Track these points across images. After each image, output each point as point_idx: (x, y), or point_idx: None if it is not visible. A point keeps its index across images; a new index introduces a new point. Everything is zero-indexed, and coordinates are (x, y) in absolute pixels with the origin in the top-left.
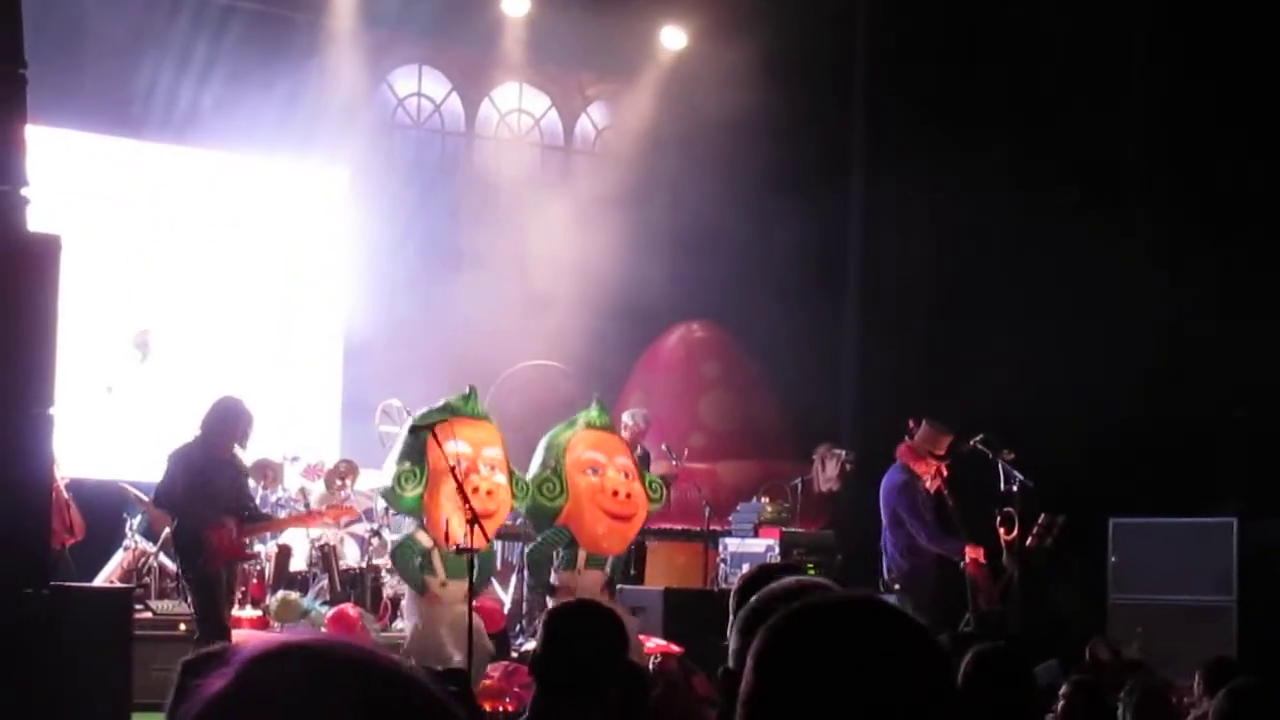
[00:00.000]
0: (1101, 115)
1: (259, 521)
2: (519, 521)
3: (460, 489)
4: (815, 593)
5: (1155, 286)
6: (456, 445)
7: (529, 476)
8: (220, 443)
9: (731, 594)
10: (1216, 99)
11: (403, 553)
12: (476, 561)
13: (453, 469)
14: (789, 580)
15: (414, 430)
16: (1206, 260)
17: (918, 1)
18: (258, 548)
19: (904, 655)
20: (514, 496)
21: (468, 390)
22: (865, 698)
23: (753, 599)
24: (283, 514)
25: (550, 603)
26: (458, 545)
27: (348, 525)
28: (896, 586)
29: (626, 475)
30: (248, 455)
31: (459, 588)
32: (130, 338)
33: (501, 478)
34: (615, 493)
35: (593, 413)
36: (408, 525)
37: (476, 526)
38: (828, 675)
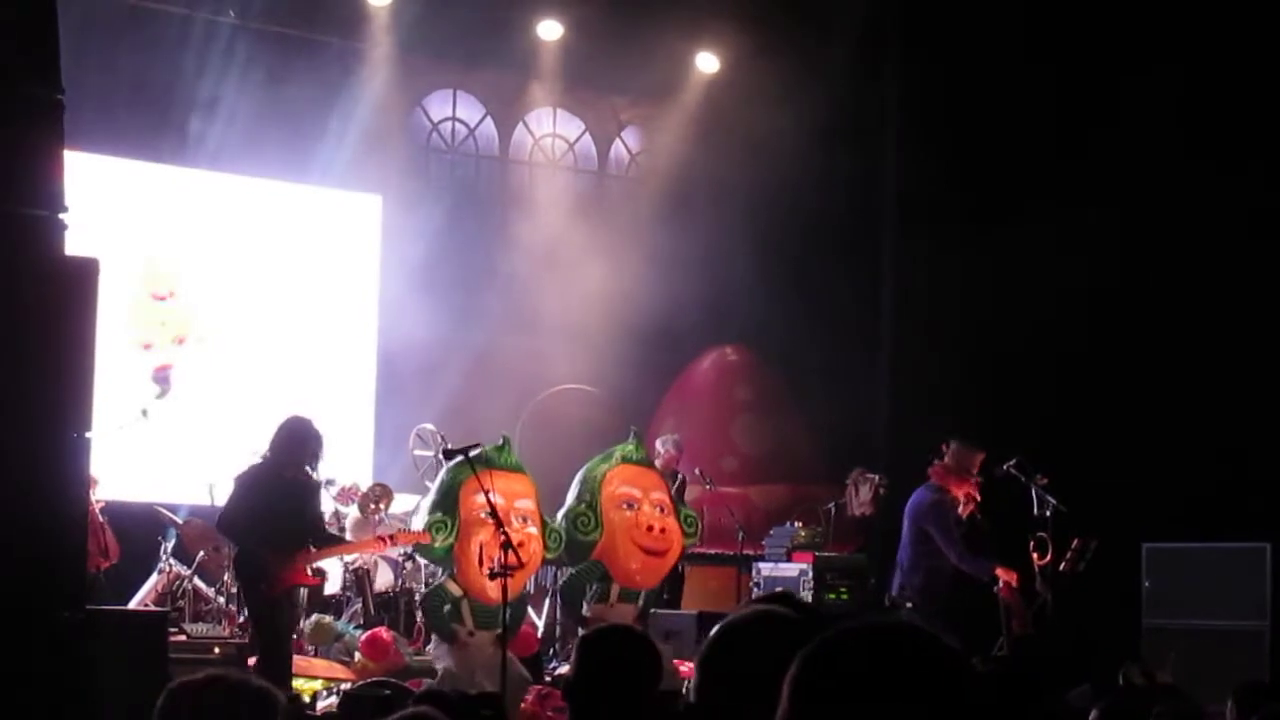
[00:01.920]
0: (1134, 132)
1: (330, 545)
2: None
3: (499, 526)
4: (775, 622)
5: (1193, 312)
6: (491, 499)
7: (564, 510)
8: (288, 464)
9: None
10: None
11: (432, 602)
12: (507, 611)
13: (492, 508)
14: (747, 611)
15: (451, 470)
16: (1243, 280)
17: (952, 23)
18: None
19: (937, 681)
20: (546, 549)
21: (501, 441)
22: None
23: (713, 630)
24: (349, 538)
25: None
26: (491, 569)
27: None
28: (908, 604)
29: (662, 510)
30: None
31: (487, 636)
32: (149, 373)
33: (534, 529)
34: (650, 528)
35: (629, 447)
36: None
37: (508, 572)
38: (862, 702)
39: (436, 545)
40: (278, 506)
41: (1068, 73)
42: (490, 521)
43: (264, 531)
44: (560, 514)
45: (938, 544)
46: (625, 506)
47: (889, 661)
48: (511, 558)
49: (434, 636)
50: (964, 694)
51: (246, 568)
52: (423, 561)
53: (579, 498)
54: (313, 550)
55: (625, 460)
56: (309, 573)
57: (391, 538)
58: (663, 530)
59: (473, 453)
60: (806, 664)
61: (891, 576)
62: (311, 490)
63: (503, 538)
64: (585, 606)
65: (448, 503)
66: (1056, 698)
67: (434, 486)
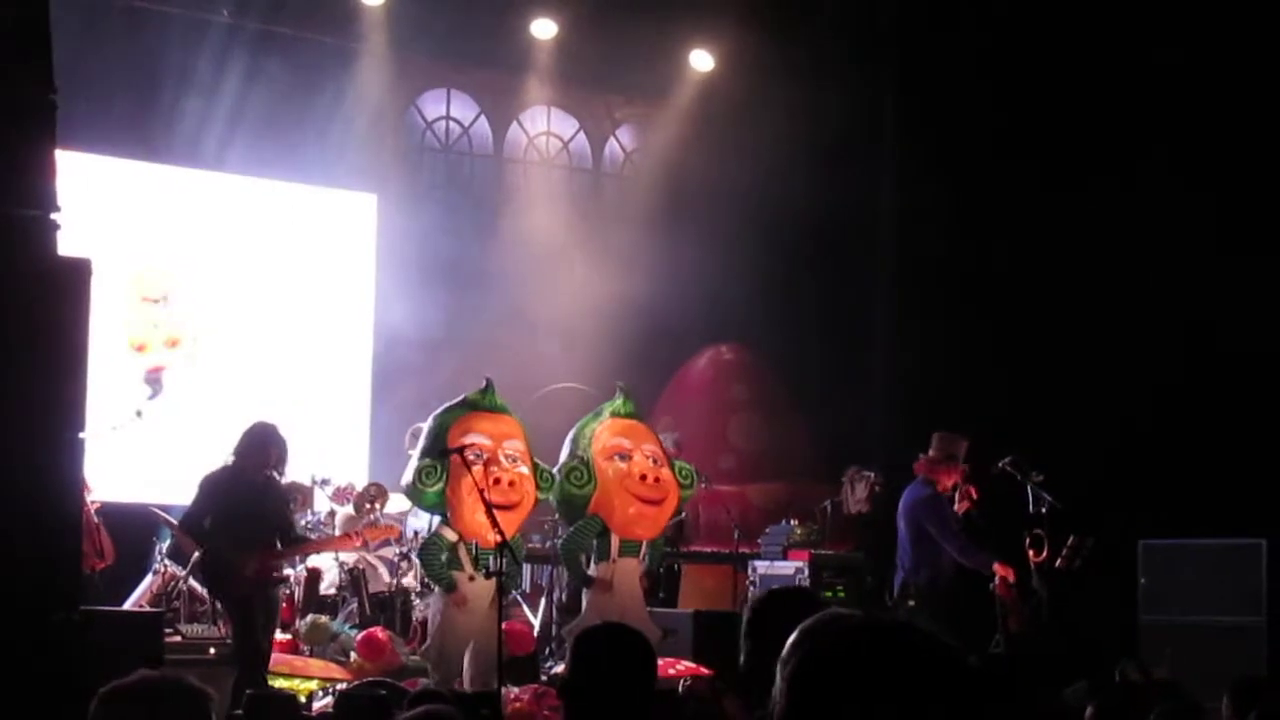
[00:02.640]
0: (1129, 114)
1: (296, 544)
2: (547, 544)
3: (489, 512)
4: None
5: (1188, 303)
6: (476, 438)
7: (556, 467)
8: (252, 466)
9: (743, 620)
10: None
11: (429, 550)
12: (505, 557)
13: (481, 492)
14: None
15: (439, 414)
16: (1239, 274)
17: (951, 22)
18: (287, 571)
19: (937, 679)
20: (539, 488)
21: (485, 383)
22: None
23: (751, 632)
24: (314, 536)
25: (585, 597)
26: (486, 568)
27: (378, 548)
28: (911, 603)
29: (655, 460)
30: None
31: (488, 584)
32: (141, 374)
33: (524, 469)
34: (644, 477)
35: (618, 402)
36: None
37: (497, 526)
38: (861, 697)
39: (428, 490)
40: (239, 508)
41: (1065, 76)
42: (481, 461)
43: (226, 532)
44: (554, 470)
45: (936, 541)
46: (617, 458)
47: (890, 659)
48: (498, 495)
49: (435, 588)
50: (964, 691)
51: (210, 567)
52: (418, 561)
53: (571, 454)
54: (277, 548)
55: (615, 415)
56: (276, 572)
57: (359, 534)
58: (657, 479)
59: (469, 454)
60: (806, 661)
61: (894, 576)
62: (275, 493)
63: (497, 538)
64: (591, 566)
65: (437, 447)
66: (1053, 695)
67: (423, 433)
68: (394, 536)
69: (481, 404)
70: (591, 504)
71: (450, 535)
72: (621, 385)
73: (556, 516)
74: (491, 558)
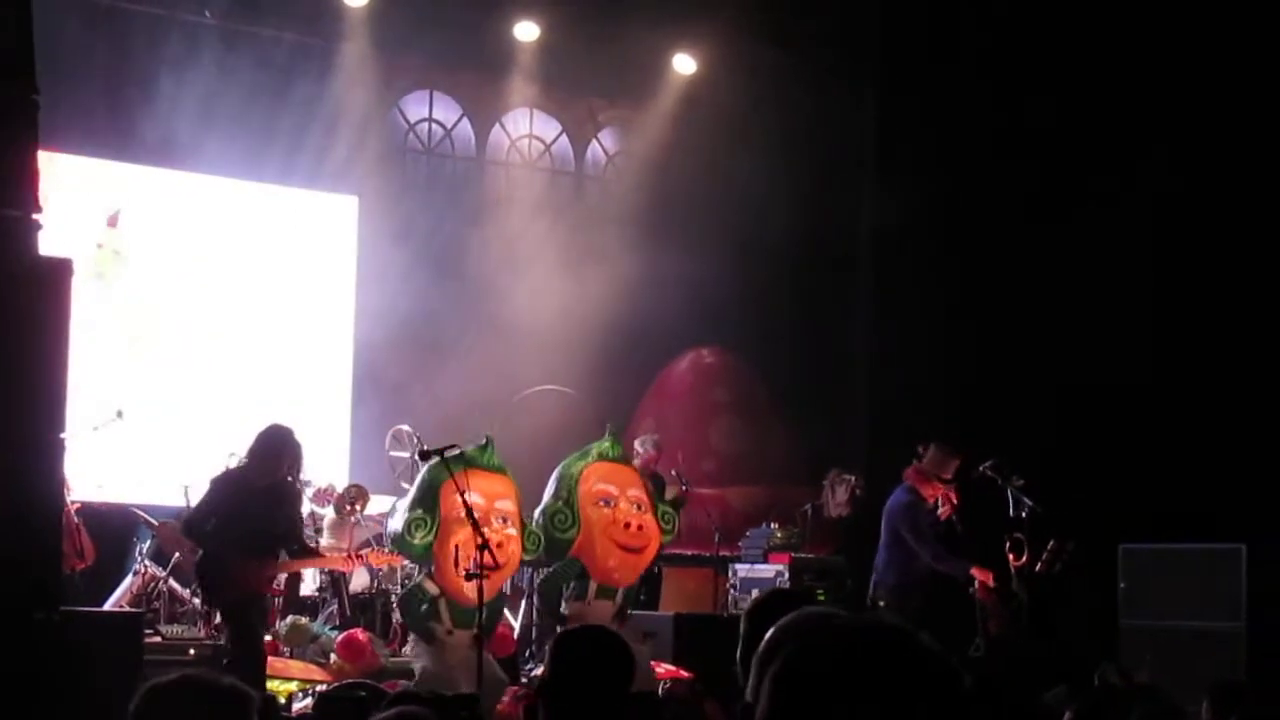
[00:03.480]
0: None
1: (301, 557)
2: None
3: (476, 529)
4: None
5: (1169, 310)
6: (470, 498)
7: (541, 507)
8: (264, 472)
9: (742, 619)
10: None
11: (410, 600)
12: (484, 611)
13: (468, 508)
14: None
15: (433, 468)
16: (1221, 282)
17: (931, 24)
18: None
19: (921, 682)
20: (525, 549)
21: (484, 441)
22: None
23: (772, 631)
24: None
25: (559, 630)
26: (467, 570)
27: (359, 550)
28: (880, 604)
29: (639, 507)
30: None
31: (465, 636)
32: (113, 410)
33: (513, 531)
34: (627, 525)
35: (606, 444)
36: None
37: (484, 574)
38: (845, 701)
39: (416, 543)
40: (246, 512)
41: (1047, 87)
42: (468, 521)
43: (230, 536)
44: (537, 511)
45: (910, 546)
46: (602, 503)
47: (876, 659)
48: (488, 558)
49: (412, 636)
50: (949, 694)
51: (209, 571)
52: (399, 562)
53: (556, 495)
54: (282, 559)
55: (602, 457)
56: (274, 583)
57: (360, 556)
58: (640, 527)
59: (449, 453)
60: (791, 661)
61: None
62: (286, 499)
63: (479, 539)
64: (563, 604)
65: (428, 500)
66: (1033, 698)
67: (415, 483)
68: (397, 564)
69: (479, 461)
70: (574, 547)
71: (432, 588)
72: (611, 426)
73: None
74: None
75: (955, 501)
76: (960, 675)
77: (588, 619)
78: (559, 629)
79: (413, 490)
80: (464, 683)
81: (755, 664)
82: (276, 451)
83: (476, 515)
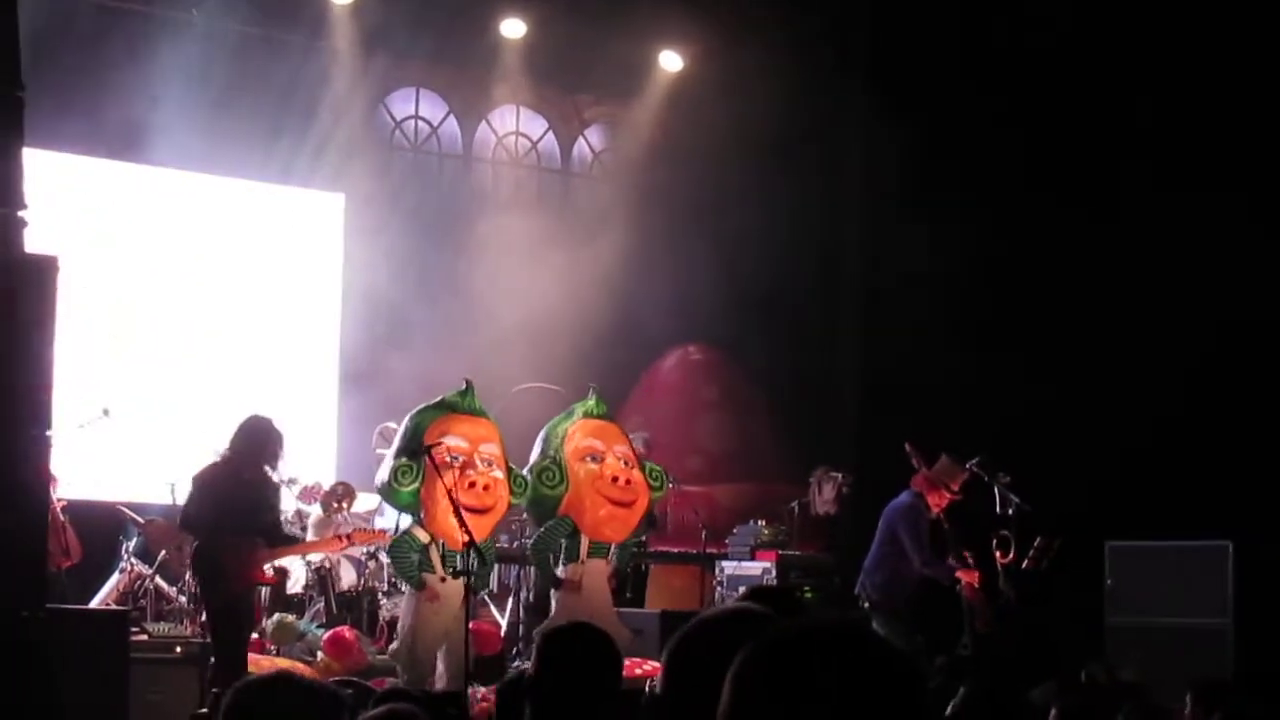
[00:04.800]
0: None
1: (287, 544)
2: (515, 544)
3: (458, 515)
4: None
5: (1158, 308)
6: (452, 440)
7: (528, 467)
8: (247, 463)
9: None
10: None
11: (400, 549)
12: (474, 558)
13: (450, 494)
14: (723, 609)
15: (415, 414)
16: (1210, 281)
17: (917, 19)
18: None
19: (878, 680)
20: (512, 493)
21: (464, 385)
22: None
23: (685, 625)
24: (303, 537)
25: (554, 598)
26: (453, 568)
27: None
28: (866, 604)
29: (626, 462)
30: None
31: (459, 584)
32: (99, 410)
33: (499, 473)
34: (615, 479)
35: (590, 402)
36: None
37: (466, 528)
38: (802, 698)
39: (403, 489)
40: (234, 505)
41: (1035, 79)
42: (454, 465)
43: (221, 529)
44: (524, 471)
45: (904, 546)
46: (589, 459)
47: (829, 661)
48: (471, 499)
49: (405, 590)
50: (908, 695)
51: (205, 565)
52: (385, 561)
53: (543, 453)
54: (268, 549)
55: (587, 415)
56: (266, 572)
57: (349, 537)
58: (628, 481)
59: (436, 452)
60: (749, 661)
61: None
62: (269, 490)
63: (465, 539)
64: (559, 568)
65: (413, 447)
66: (1019, 696)
67: (399, 431)
68: (381, 541)
69: (460, 406)
70: (562, 505)
71: (422, 536)
72: (594, 386)
73: (525, 517)
74: (459, 559)
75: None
76: (921, 676)
77: (583, 578)
78: (553, 597)
79: (397, 438)
80: (442, 653)
81: (667, 655)
82: (260, 442)
83: (461, 458)
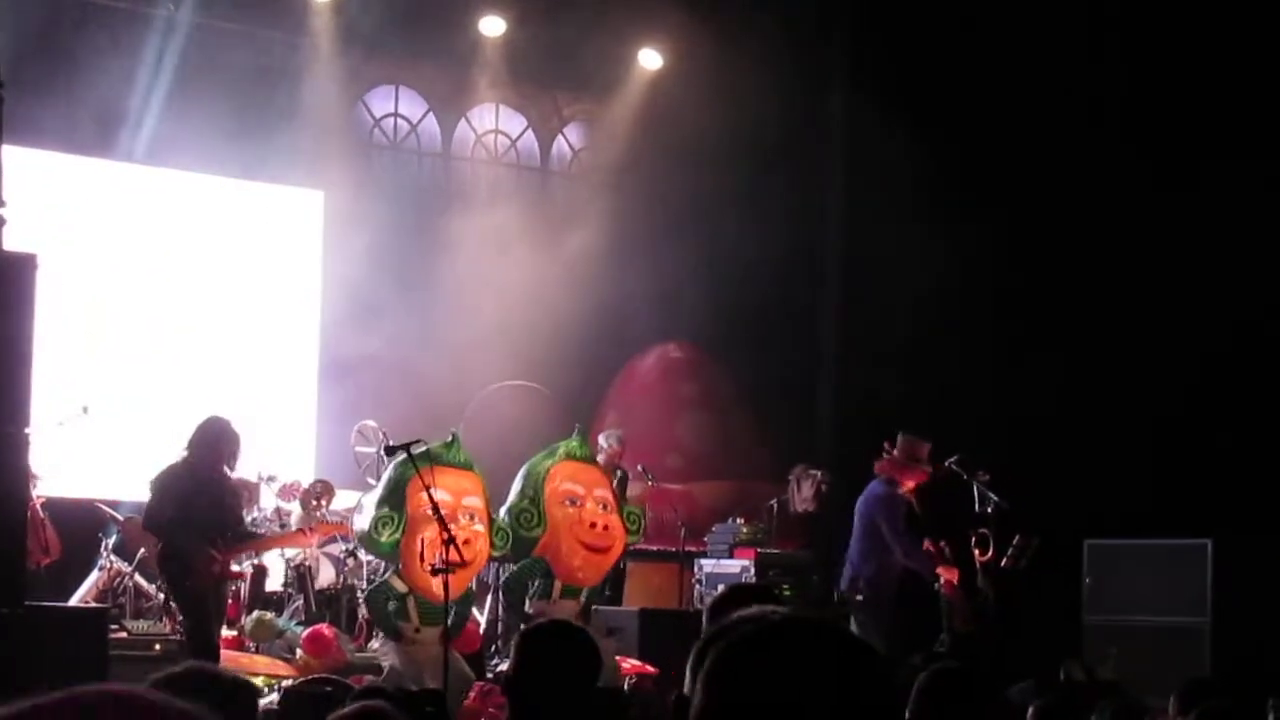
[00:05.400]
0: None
1: (246, 540)
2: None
3: (442, 525)
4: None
5: (1139, 308)
6: (437, 494)
7: (506, 505)
8: (206, 463)
9: (704, 614)
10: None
11: (377, 597)
12: (452, 610)
13: (435, 504)
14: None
15: (399, 465)
16: (1186, 285)
17: (895, 20)
18: (240, 567)
19: (849, 676)
20: (493, 546)
21: (450, 438)
22: (811, 717)
23: (707, 628)
24: (263, 532)
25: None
26: (433, 565)
27: (325, 544)
28: (859, 597)
29: (605, 507)
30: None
31: (433, 633)
32: (78, 407)
33: (480, 527)
34: (593, 525)
35: (573, 443)
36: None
37: (451, 569)
38: (774, 696)
39: (383, 540)
40: (194, 503)
41: (1017, 71)
42: (435, 518)
43: (184, 528)
44: (503, 510)
45: (885, 538)
46: (568, 503)
47: (799, 656)
48: (454, 554)
49: (379, 634)
50: (875, 690)
51: (169, 564)
52: (365, 558)
53: (522, 493)
54: (231, 546)
55: (569, 456)
56: (233, 568)
57: (311, 529)
58: (606, 527)
59: (415, 449)
60: (719, 659)
61: (840, 571)
62: (228, 489)
63: (445, 534)
64: (528, 603)
65: (395, 498)
66: (997, 694)
67: (382, 481)
68: (343, 533)
69: (445, 458)
70: (539, 546)
71: (400, 586)
72: (579, 427)
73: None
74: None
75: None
76: (892, 674)
77: (550, 618)
78: (524, 626)
79: (379, 488)
80: (431, 680)
81: (690, 663)
82: (214, 442)
83: (444, 512)
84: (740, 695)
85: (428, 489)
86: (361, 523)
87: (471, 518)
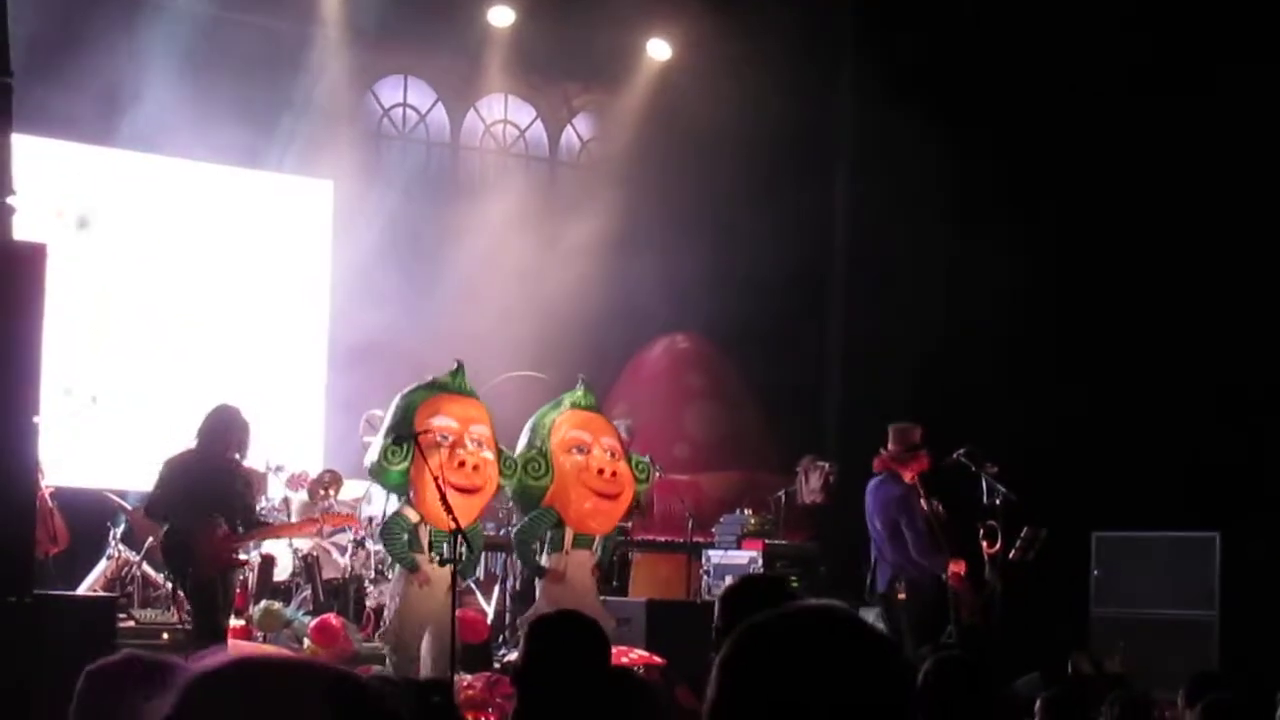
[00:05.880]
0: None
1: (256, 529)
2: (501, 532)
3: (444, 500)
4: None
5: (1141, 303)
6: (442, 420)
7: (515, 456)
8: (216, 451)
9: (716, 604)
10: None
11: (390, 529)
12: (464, 544)
13: (437, 481)
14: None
15: (407, 393)
16: (1194, 280)
17: (906, 9)
18: (246, 556)
19: (866, 665)
20: (502, 474)
21: (455, 365)
22: (827, 707)
23: (720, 619)
24: (272, 521)
25: (539, 587)
26: (441, 556)
27: (331, 535)
28: (901, 596)
29: (613, 454)
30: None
31: (447, 570)
32: (87, 397)
33: (489, 454)
34: (601, 471)
35: (578, 393)
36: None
37: (453, 515)
38: (789, 684)
39: (392, 469)
40: (202, 491)
41: (1032, 64)
42: (445, 444)
43: (189, 516)
44: (515, 457)
45: (906, 537)
46: (576, 451)
47: (815, 645)
48: (463, 479)
49: (392, 573)
50: (892, 679)
51: (173, 553)
52: (373, 548)
53: (530, 444)
54: (239, 533)
55: (575, 406)
56: (240, 556)
57: (321, 518)
58: (614, 474)
59: (423, 439)
60: (735, 647)
61: (873, 570)
62: (238, 477)
63: (453, 524)
64: (543, 558)
65: (403, 426)
66: (1005, 686)
67: (389, 410)
68: (351, 524)
69: (450, 386)
70: (547, 496)
71: (412, 516)
72: (582, 376)
73: (511, 505)
74: (446, 544)
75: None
76: (909, 665)
77: (566, 569)
78: (539, 585)
79: (387, 417)
80: (443, 619)
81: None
82: (224, 431)
83: (451, 438)
84: (757, 684)
85: (441, 493)
86: (371, 454)
87: (479, 444)
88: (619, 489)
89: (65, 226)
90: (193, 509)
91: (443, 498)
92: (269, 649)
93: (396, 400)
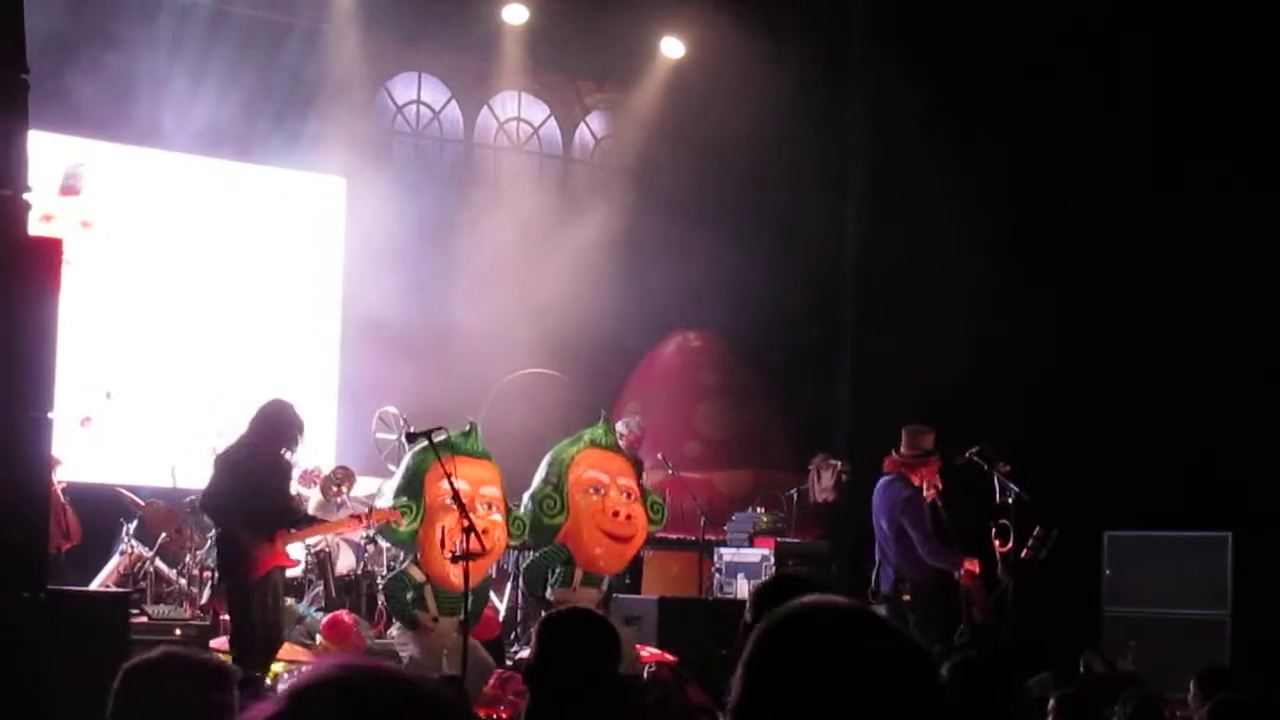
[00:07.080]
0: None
1: (308, 525)
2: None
3: (463, 512)
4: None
5: (1153, 304)
6: (454, 484)
7: (530, 492)
8: (268, 447)
9: (748, 600)
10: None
11: (395, 587)
12: (470, 599)
13: (456, 494)
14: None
15: (417, 454)
16: (1204, 273)
17: (918, 11)
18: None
19: (892, 665)
20: (510, 535)
21: (468, 427)
22: (852, 706)
23: (751, 617)
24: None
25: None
26: (453, 552)
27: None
28: (906, 598)
29: (629, 496)
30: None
31: (450, 623)
32: (100, 392)
33: (498, 517)
34: (616, 513)
35: (599, 430)
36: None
37: (471, 557)
38: (815, 683)
39: (401, 529)
40: (256, 488)
41: (1045, 60)
42: (454, 506)
43: (243, 514)
44: (526, 496)
45: (913, 539)
46: (592, 491)
47: (841, 645)
48: (474, 543)
49: (397, 623)
50: (918, 680)
51: (227, 550)
52: (385, 544)
53: (545, 480)
54: (291, 532)
55: (594, 444)
56: (287, 555)
57: (366, 516)
58: (629, 516)
59: (436, 437)
60: (760, 646)
61: (878, 571)
62: (284, 473)
63: (465, 522)
64: (549, 590)
65: (413, 487)
66: (1017, 685)
67: (400, 470)
68: (397, 519)
69: (463, 448)
70: (560, 534)
71: (417, 575)
72: (605, 414)
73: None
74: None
75: (940, 487)
76: (934, 665)
77: (572, 606)
78: (544, 613)
79: (397, 477)
80: (450, 668)
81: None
82: (279, 427)
83: (461, 500)
84: (782, 683)
85: (449, 476)
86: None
87: (489, 507)
88: (632, 532)
89: (79, 223)
90: (246, 507)
91: (465, 553)
92: (367, 660)
93: (407, 459)
